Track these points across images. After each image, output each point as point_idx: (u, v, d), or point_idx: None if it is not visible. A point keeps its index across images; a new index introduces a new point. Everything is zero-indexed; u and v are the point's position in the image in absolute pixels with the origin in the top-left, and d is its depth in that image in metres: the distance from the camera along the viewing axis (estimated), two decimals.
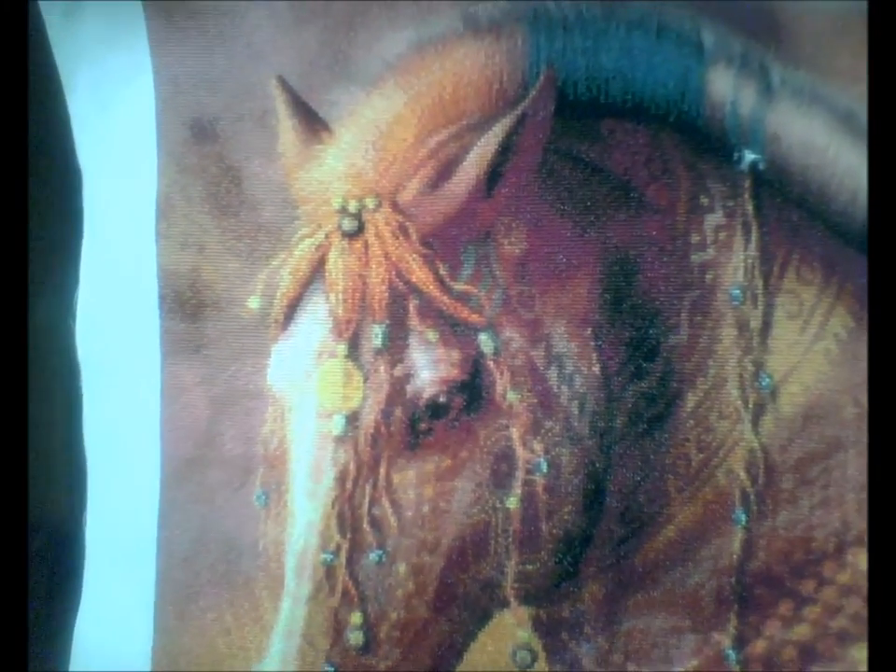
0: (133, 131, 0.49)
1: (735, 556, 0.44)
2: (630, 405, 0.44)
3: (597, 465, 0.44)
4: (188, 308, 0.49)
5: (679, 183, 0.44)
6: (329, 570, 0.47)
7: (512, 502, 0.45)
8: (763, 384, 0.44)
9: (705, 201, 0.43)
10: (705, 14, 0.43)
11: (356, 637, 0.46)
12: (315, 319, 0.47)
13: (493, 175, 0.44)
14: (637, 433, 0.44)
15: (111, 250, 0.50)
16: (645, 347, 0.44)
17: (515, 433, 0.45)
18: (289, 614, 0.48)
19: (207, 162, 0.48)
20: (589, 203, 0.44)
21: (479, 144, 0.44)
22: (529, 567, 0.45)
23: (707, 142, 0.43)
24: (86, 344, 0.51)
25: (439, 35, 0.45)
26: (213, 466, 0.50)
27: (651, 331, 0.44)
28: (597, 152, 0.44)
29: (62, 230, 0.73)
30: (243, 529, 0.49)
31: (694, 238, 0.44)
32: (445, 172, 0.45)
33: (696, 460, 0.44)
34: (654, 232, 0.44)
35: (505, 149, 0.44)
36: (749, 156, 0.43)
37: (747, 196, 0.43)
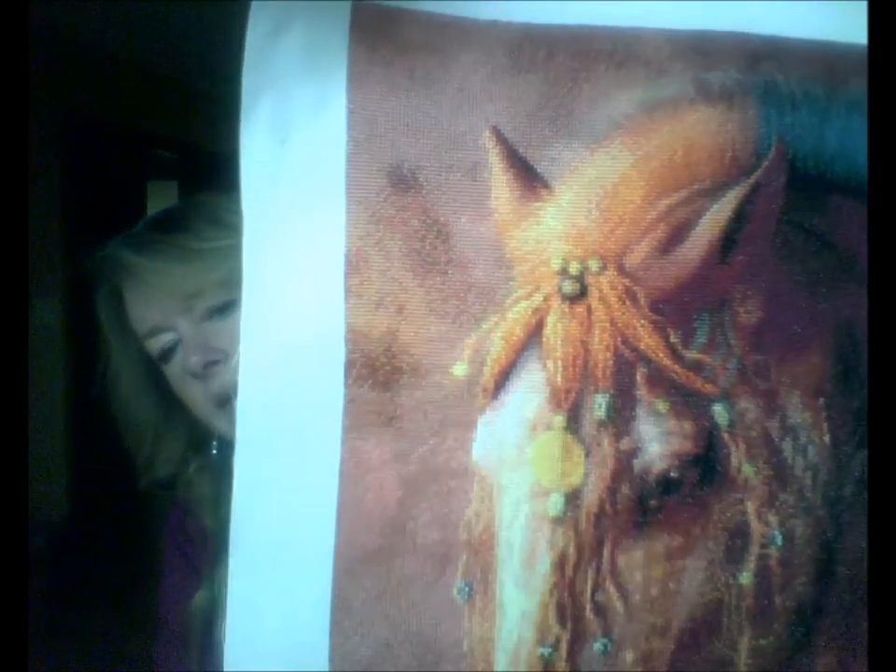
0: (317, 171, 0.43)
1: None
2: (857, 473, 0.45)
3: (829, 534, 0.44)
4: (380, 375, 0.43)
5: None
6: (548, 665, 0.43)
7: (746, 577, 0.44)
8: None
9: None
10: None
11: None
12: (530, 388, 0.44)
13: (727, 242, 0.44)
14: (863, 501, 0.45)
15: (282, 307, 0.43)
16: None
17: (751, 506, 0.44)
18: None
19: (408, 215, 0.43)
20: (821, 275, 0.45)
21: (712, 210, 0.43)
22: (763, 642, 0.44)
23: None
24: (248, 416, 0.43)
25: (669, 98, 0.44)
26: (402, 556, 0.43)
27: None
28: (827, 226, 0.45)
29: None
30: (441, 628, 0.43)
31: None
32: (676, 236, 0.44)
33: None
34: None
35: (739, 217, 0.43)
36: None
37: None
